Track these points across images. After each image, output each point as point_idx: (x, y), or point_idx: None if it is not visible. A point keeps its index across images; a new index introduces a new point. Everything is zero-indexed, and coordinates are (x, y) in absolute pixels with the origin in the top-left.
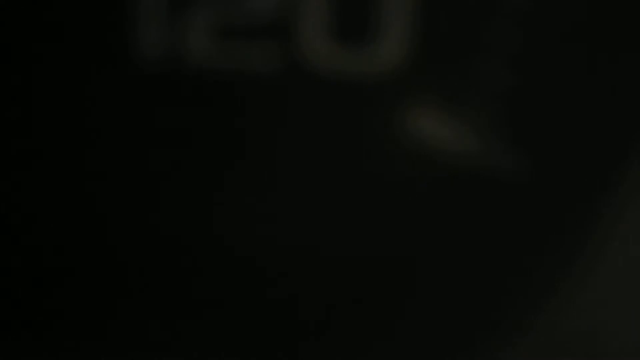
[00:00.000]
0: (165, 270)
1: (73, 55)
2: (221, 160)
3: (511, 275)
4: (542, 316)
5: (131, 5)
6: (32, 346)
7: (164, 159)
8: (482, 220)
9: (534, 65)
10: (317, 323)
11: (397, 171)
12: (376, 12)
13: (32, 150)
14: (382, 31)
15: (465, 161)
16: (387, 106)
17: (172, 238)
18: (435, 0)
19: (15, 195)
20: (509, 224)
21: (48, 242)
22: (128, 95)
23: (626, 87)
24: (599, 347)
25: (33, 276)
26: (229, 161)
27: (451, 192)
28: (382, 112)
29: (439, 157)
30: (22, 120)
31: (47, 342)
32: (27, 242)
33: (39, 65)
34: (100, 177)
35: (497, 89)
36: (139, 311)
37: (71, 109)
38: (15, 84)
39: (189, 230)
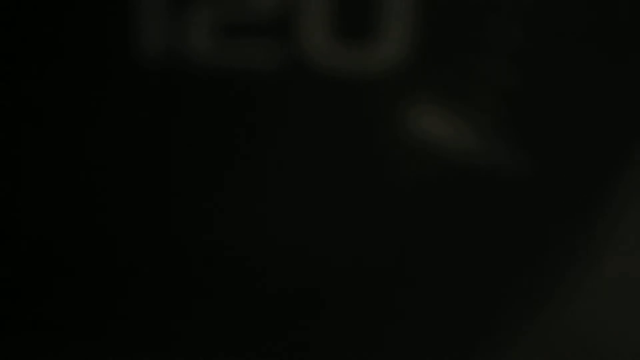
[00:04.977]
0: (164, 271)
1: (73, 54)
2: (222, 158)
3: (511, 275)
4: (542, 317)
5: (132, 3)
6: (31, 346)
7: (164, 157)
8: (482, 219)
9: (536, 64)
10: (318, 324)
11: (399, 169)
12: (378, 10)
13: (31, 148)
14: (383, 29)
15: (466, 160)
16: (388, 104)
17: (171, 236)
18: None
19: (15, 195)
20: (510, 223)
21: (45, 241)
22: (128, 94)
23: (629, 86)
24: (598, 348)
25: (31, 275)
26: (229, 159)
27: (452, 190)
28: (384, 111)
29: (441, 155)
30: (22, 119)
31: (45, 342)
32: (25, 241)
33: (39, 64)
34: (99, 175)
35: (499, 88)
36: (137, 311)
37: (72, 107)
38: (15, 82)
39: (189, 229)
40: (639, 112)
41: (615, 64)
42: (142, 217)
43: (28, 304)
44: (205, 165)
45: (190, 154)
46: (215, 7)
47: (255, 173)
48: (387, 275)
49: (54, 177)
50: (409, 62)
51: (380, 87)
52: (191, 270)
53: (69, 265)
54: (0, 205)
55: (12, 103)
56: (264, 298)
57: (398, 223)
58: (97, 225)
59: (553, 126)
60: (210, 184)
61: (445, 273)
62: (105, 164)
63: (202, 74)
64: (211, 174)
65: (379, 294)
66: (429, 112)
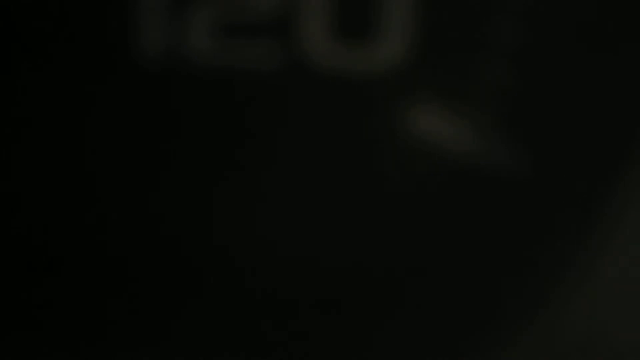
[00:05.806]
0: (163, 274)
1: (74, 53)
2: (221, 158)
3: (511, 275)
4: (542, 317)
5: (132, 3)
6: (30, 346)
7: (164, 156)
8: (482, 218)
9: (536, 64)
10: (318, 327)
11: (399, 169)
12: (378, 10)
13: (31, 148)
14: (383, 29)
15: (466, 159)
16: (388, 104)
17: (171, 237)
18: None
19: (14, 195)
20: (510, 223)
21: (43, 242)
22: (128, 94)
23: (628, 86)
24: (598, 347)
25: (30, 276)
26: (229, 159)
27: (452, 190)
28: (384, 111)
29: (441, 155)
30: (22, 119)
31: (44, 342)
32: (24, 243)
33: (39, 65)
34: (99, 175)
35: (498, 87)
36: (135, 312)
37: (72, 107)
38: (15, 82)
39: (188, 229)
40: (639, 112)
41: (615, 63)
42: (143, 217)
43: (27, 304)
44: (205, 165)
45: (190, 153)
46: (215, 7)
47: (255, 173)
48: (386, 276)
49: (53, 177)
50: (409, 62)
51: (380, 87)
52: (190, 272)
53: (66, 265)
54: None
55: (11, 102)
56: (263, 300)
57: (398, 223)
58: (95, 225)
59: (553, 126)
60: (209, 183)
61: (445, 273)
62: (105, 163)
63: (202, 74)
64: (211, 174)
65: (378, 294)
66: (429, 112)
